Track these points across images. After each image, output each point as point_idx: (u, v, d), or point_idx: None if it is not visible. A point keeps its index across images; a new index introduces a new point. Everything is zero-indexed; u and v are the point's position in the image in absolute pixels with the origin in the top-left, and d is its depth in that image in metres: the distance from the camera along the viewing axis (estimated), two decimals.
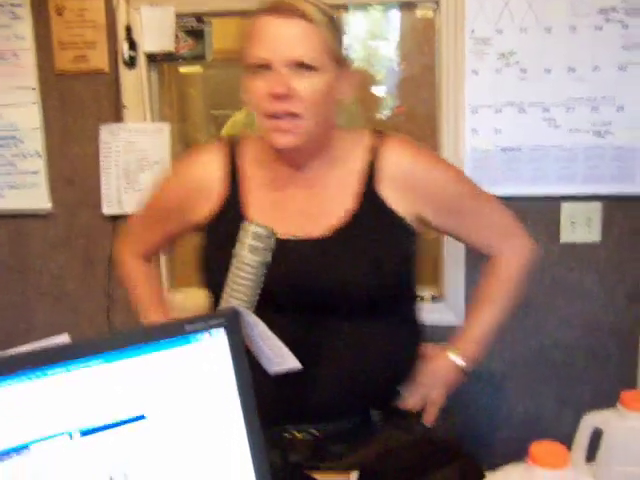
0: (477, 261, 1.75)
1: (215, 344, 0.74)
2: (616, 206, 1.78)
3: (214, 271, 1.10)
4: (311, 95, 1.01)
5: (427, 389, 1.15)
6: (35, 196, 1.95)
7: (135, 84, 1.87)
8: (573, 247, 1.81)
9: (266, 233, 0.87)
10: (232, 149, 1.16)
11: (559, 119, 1.73)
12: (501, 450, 1.90)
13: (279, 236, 0.88)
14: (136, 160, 1.89)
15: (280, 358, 0.83)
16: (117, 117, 1.88)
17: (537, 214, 1.80)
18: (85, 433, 0.66)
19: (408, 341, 1.16)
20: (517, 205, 1.78)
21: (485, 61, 1.72)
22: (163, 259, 1.82)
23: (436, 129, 1.84)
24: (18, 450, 0.63)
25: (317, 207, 1.10)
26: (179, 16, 1.81)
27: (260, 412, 0.74)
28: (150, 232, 1.27)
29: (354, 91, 1.11)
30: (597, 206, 1.78)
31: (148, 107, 1.89)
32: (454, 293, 1.86)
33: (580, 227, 1.80)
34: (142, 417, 0.69)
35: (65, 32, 1.85)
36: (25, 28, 1.86)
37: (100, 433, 0.67)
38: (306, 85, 1.00)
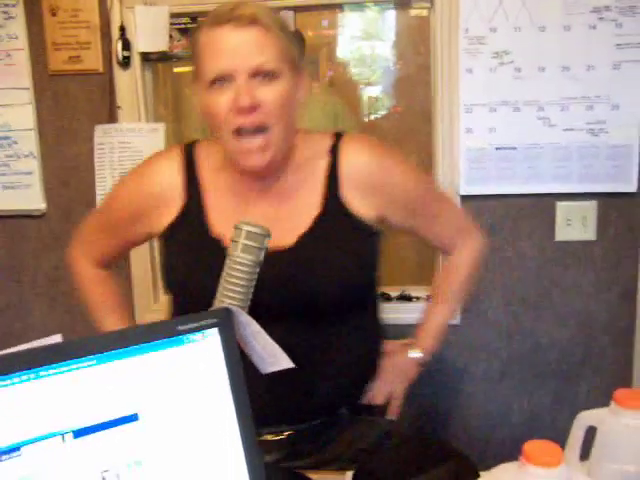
0: None
1: (208, 344, 0.74)
2: (611, 204, 1.78)
3: (176, 283, 1.11)
4: (276, 103, 0.99)
5: (390, 385, 1.20)
6: (29, 197, 1.95)
7: (129, 84, 1.86)
8: (568, 245, 1.82)
9: (260, 232, 0.87)
10: (189, 155, 1.13)
11: (554, 118, 1.73)
12: (496, 449, 1.91)
13: None
14: (131, 160, 1.88)
15: (273, 357, 0.83)
16: (111, 117, 1.88)
17: (532, 213, 1.81)
18: (78, 434, 0.66)
19: (375, 340, 1.19)
20: (512, 204, 1.81)
21: (479, 60, 1.72)
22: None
23: (431, 128, 1.84)
24: (9, 452, 0.62)
25: (283, 215, 1.08)
26: (173, 15, 1.81)
27: None
28: (105, 240, 1.23)
29: (308, 95, 1.09)
30: (592, 205, 1.78)
31: (142, 107, 1.88)
32: None
33: (575, 225, 1.80)
34: (135, 418, 0.69)
35: (59, 32, 1.84)
36: (19, 28, 1.85)
37: (93, 434, 0.67)
38: (269, 94, 0.98)
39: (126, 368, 0.69)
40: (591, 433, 0.83)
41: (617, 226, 1.79)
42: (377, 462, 1.01)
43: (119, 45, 1.82)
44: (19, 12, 1.84)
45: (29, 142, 1.92)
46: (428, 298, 1.32)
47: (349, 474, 0.99)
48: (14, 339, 2.04)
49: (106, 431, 0.68)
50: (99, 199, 1.90)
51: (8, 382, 0.63)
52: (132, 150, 1.88)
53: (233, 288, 0.85)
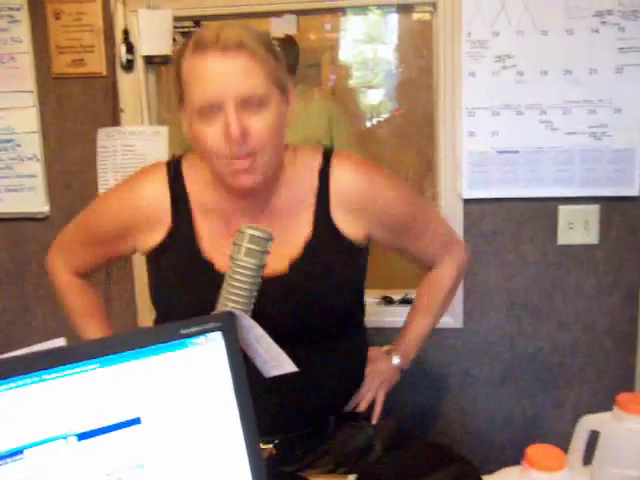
0: (474, 266, 1.76)
1: (211, 347, 0.74)
2: (613, 208, 1.78)
3: (164, 302, 1.10)
4: (266, 131, 0.97)
5: (373, 392, 1.22)
6: (33, 199, 1.95)
7: (132, 87, 1.87)
8: (570, 249, 1.81)
9: (264, 235, 0.87)
10: (176, 170, 1.11)
11: (556, 122, 1.73)
12: (498, 453, 1.90)
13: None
14: (134, 163, 1.88)
15: (276, 361, 0.83)
16: (114, 120, 1.88)
17: (534, 216, 1.80)
18: (81, 437, 0.66)
19: (361, 351, 1.21)
20: (514, 207, 1.81)
21: (482, 64, 1.72)
22: None
23: (433, 132, 1.84)
24: (12, 455, 0.62)
25: (275, 240, 1.07)
26: (176, 19, 1.81)
27: None
28: (86, 253, 1.21)
29: (295, 108, 1.06)
30: (594, 208, 1.78)
31: (145, 110, 1.89)
32: None
33: (577, 229, 1.80)
34: (138, 421, 0.69)
35: (63, 36, 1.85)
36: (23, 32, 1.85)
37: (96, 437, 0.67)
38: (259, 121, 0.96)
39: (129, 371, 0.70)
40: (594, 437, 0.83)
41: (619, 230, 1.79)
42: (380, 466, 1.01)
43: (122, 48, 1.83)
44: (24, 16, 1.85)
45: (33, 145, 1.92)
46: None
47: (351, 478, 0.99)
48: (16, 342, 2.04)
49: (109, 434, 0.68)
50: None
51: (12, 385, 0.63)
52: (135, 153, 1.89)
53: (236, 292, 0.85)
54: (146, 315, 1.95)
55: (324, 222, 1.07)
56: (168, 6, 1.80)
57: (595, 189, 1.76)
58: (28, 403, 0.64)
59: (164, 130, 1.88)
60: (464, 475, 0.92)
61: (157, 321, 1.16)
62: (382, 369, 1.25)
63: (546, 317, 1.85)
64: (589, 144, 1.73)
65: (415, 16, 2.17)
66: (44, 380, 0.65)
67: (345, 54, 3.24)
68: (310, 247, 1.06)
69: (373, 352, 1.25)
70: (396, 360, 1.26)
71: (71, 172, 1.94)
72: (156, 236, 1.09)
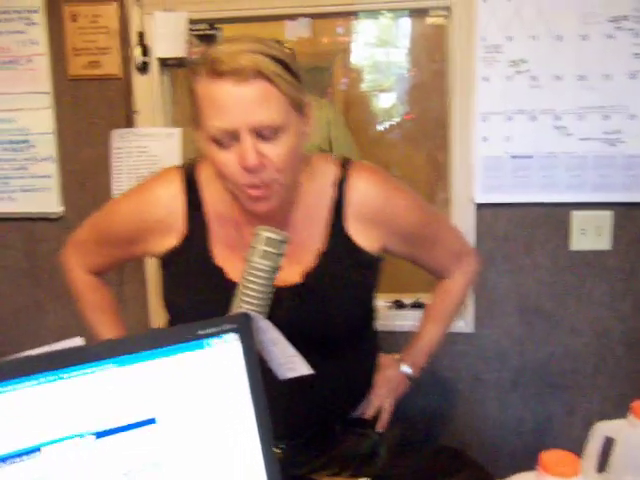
0: (485, 271, 1.76)
1: (227, 349, 0.74)
2: (626, 214, 1.77)
3: (175, 307, 1.11)
4: (284, 157, 0.94)
5: (381, 399, 1.22)
6: (47, 200, 1.97)
7: (147, 89, 1.88)
8: (583, 255, 1.81)
9: (279, 237, 0.87)
10: (191, 175, 1.10)
11: (570, 127, 1.72)
12: (509, 458, 1.90)
13: None
14: (147, 165, 1.90)
15: (291, 364, 0.83)
16: (129, 122, 1.90)
17: (547, 222, 1.80)
18: (97, 436, 0.67)
19: (371, 357, 1.22)
20: (527, 212, 1.81)
21: (496, 68, 1.72)
22: None
23: (446, 136, 1.84)
24: (29, 452, 0.63)
25: (289, 251, 1.03)
26: (191, 22, 1.82)
27: None
28: (100, 253, 1.21)
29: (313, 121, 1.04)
30: (607, 214, 1.77)
31: (160, 112, 1.90)
32: None
33: (590, 235, 1.79)
34: (153, 421, 0.70)
35: (79, 38, 1.86)
36: (40, 34, 1.87)
37: (112, 436, 0.67)
38: (277, 148, 0.94)
39: (146, 371, 0.70)
40: (607, 444, 0.82)
41: (632, 236, 1.78)
42: (393, 470, 1.01)
43: (137, 51, 1.84)
44: (40, 18, 1.86)
45: (48, 146, 1.94)
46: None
47: None
48: (30, 340, 2.05)
49: (125, 433, 0.68)
50: None
51: (30, 383, 0.64)
52: (148, 154, 1.90)
53: (251, 294, 0.85)
54: (158, 316, 1.96)
55: (339, 233, 1.07)
56: (183, 9, 1.81)
57: (608, 195, 1.75)
58: (46, 401, 0.65)
59: (178, 132, 1.89)
60: None
61: (168, 325, 1.16)
62: (391, 377, 1.25)
63: (558, 323, 1.85)
64: (603, 150, 1.73)
65: (429, 20, 2.16)
66: (62, 379, 0.66)
67: (357, 57, 3.24)
68: (324, 258, 1.06)
69: (384, 359, 1.25)
70: (406, 369, 1.26)
71: (85, 173, 1.96)
72: (169, 241, 1.09)
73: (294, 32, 1.81)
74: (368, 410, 1.21)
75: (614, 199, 1.75)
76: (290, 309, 1.02)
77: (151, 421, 0.70)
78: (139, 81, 1.87)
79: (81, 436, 0.66)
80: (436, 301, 1.29)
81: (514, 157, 1.76)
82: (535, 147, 1.75)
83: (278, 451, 1.08)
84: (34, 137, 1.94)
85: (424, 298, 1.93)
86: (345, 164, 1.10)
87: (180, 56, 1.84)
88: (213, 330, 0.73)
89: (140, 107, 1.89)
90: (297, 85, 0.96)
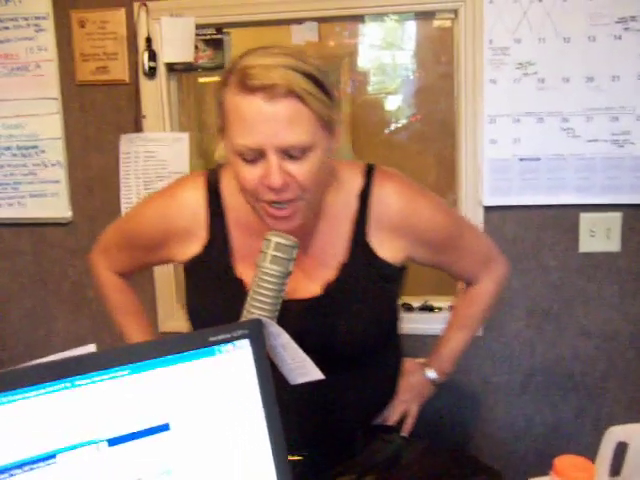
0: None
1: (239, 355, 0.75)
2: (636, 216, 1.76)
3: (196, 316, 1.10)
4: (309, 175, 0.92)
5: (406, 404, 1.22)
6: (56, 205, 1.98)
7: (155, 94, 1.89)
8: (592, 257, 1.80)
9: (289, 243, 0.88)
10: (214, 182, 1.09)
11: (578, 129, 1.72)
12: (519, 461, 1.89)
13: None
14: (155, 169, 1.90)
15: (303, 369, 0.83)
16: (137, 127, 1.90)
17: (556, 224, 1.79)
18: (111, 443, 0.67)
19: (395, 364, 1.21)
20: (536, 215, 1.80)
21: (503, 71, 1.72)
22: None
23: (453, 138, 1.84)
24: (45, 459, 0.63)
25: (309, 262, 1.05)
26: (198, 27, 1.83)
27: None
28: (125, 258, 1.22)
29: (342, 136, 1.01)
30: (616, 216, 1.77)
31: (167, 117, 1.91)
32: None
33: (599, 237, 1.78)
34: (166, 427, 0.70)
35: (87, 44, 1.87)
36: (48, 40, 1.88)
37: (125, 443, 0.68)
38: (303, 167, 0.91)
39: (158, 378, 0.70)
40: (620, 448, 0.82)
41: None
42: (406, 475, 1.01)
43: (145, 56, 1.85)
44: (49, 24, 1.88)
45: (56, 151, 1.95)
46: (448, 319, 1.31)
47: None
48: (39, 345, 2.06)
49: (138, 440, 0.68)
50: (124, 207, 1.93)
51: (44, 391, 0.64)
52: (156, 159, 1.91)
53: (262, 299, 0.86)
54: (167, 319, 1.96)
55: (361, 245, 1.05)
56: (191, 14, 1.82)
57: (617, 196, 1.75)
58: (60, 408, 0.65)
59: (185, 137, 1.90)
60: None
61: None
62: (416, 382, 1.23)
63: (567, 325, 1.84)
64: (611, 151, 1.72)
65: (435, 23, 2.16)
66: (76, 386, 0.66)
67: (364, 60, 3.24)
68: (346, 271, 1.05)
69: (408, 364, 1.24)
70: (431, 374, 1.25)
71: (94, 178, 1.97)
72: (192, 248, 1.09)
73: (301, 36, 1.81)
74: (392, 416, 1.20)
75: (623, 200, 1.75)
76: (310, 321, 1.01)
77: (164, 428, 0.70)
78: (147, 86, 1.88)
79: (96, 443, 0.66)
80: (463, 307, 1.27)
81: (522, 159, 1.75)
82: (543, 149, 1.74)
83: (300, 458, 1.07)
84: (43, 143, 1.95)
85: (432, 301, 1.93)
86: (370, 171, 1.07)
87: (188, 61, 1.86)
88: (224, 336, 0.73)
89: (148, 112, 1.89)
90: (328, 103, 0.93)
